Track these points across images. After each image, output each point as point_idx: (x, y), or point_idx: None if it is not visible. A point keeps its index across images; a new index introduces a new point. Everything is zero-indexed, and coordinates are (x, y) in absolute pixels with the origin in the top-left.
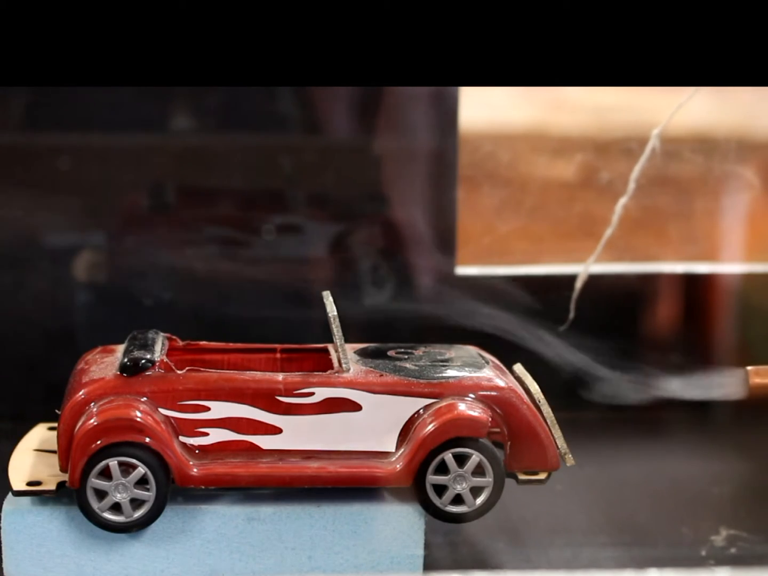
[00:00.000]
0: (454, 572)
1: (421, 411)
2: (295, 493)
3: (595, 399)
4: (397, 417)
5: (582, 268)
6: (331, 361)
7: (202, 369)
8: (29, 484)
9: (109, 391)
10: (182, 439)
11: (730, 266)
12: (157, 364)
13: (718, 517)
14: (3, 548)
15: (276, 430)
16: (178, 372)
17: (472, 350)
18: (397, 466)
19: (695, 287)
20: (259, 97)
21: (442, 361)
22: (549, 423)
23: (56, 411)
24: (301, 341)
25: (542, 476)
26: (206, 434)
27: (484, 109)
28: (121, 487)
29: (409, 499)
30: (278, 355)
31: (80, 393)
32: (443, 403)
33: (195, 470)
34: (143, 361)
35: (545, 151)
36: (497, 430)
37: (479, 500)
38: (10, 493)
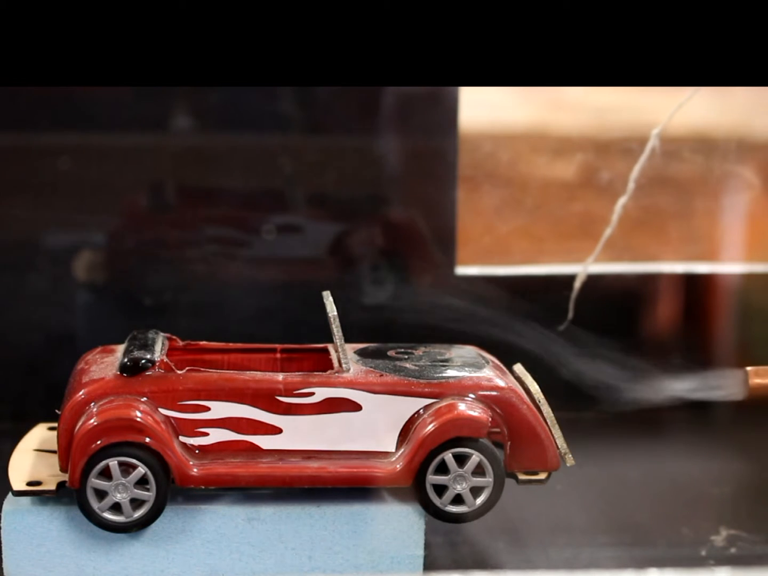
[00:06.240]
0: (454, 572)
1: (421, 411)
2: (295, 493)
3: (595, 399)
4: (397, 417)
5: (581, 268)
6: (331, 361)
7: (202, 369)
8: (29, 484)
9: (109, 391)
10: (182, 439)
11: (730, 266)
12: (157, 364)
13: (718, 517)
14: (3, 548)
15: (276, 430)
16: (178, 372)
17: (472, 350)
18: (397, 466)
19: (695, 287)
20: (259, 97)
21: (442, 361)
22: (549, 423)
23: (56, 411)
24: (301, 341)
25: (542, 476)
26: (206, 434)
27: (484, 109)
28: (121, 487)
29: (409, 499)
30: (278, 355)
31: (80, 393)
32: (443, 403)
33: (195, 470)
34: (143, 361)
35: (545, 151)
36: (497, 430)
37: (479, 500)
38: (10, 493)
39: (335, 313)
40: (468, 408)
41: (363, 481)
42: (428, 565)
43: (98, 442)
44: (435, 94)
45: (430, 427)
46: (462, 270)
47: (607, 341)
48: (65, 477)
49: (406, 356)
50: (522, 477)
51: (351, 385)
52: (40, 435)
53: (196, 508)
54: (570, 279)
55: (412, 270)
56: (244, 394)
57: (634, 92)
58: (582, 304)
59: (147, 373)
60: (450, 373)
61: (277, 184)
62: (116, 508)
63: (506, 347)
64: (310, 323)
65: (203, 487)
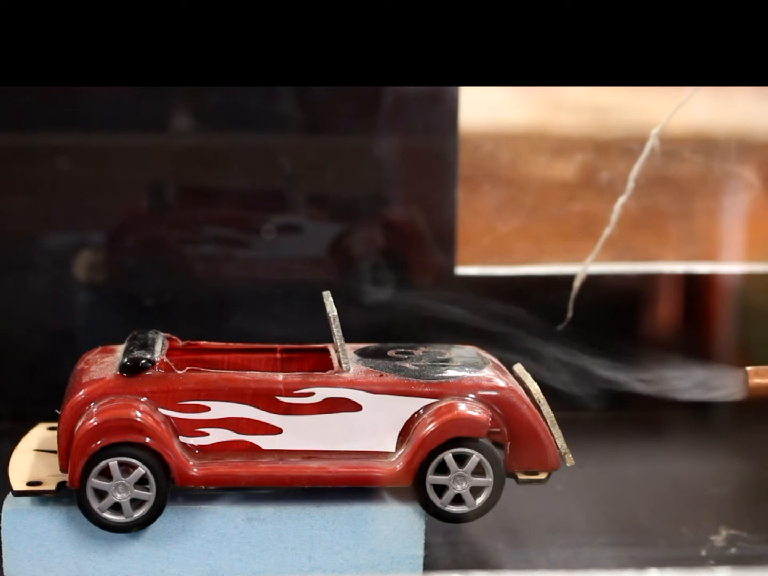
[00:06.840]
0: (454, 572)
1: (421, 411)
2: (295, 493)
3: (595, 399)
4: (397, 417)
5: (581, 268)
6: (331, 361)
7: (202, 369)
8: (29, 484)
9: (109, 391)
10: (182, 439)
11: (730, 266)
12: (157, 364)
13: (718, 517)
14: (3, 548)
15: (276, 430)
16: (178, 372)
17: (472, 350)
18: (397, 466)
19: (695, 287)
20: (259, 97)
21: (442, 361)
22: (549, 423)
23: (56, 411)
24: (301, 341)
25: (542, 476)
26: (206, 434)
27: (484, 109)
28: (121, 487)
29: (409, 499)
30: (278, 355)
31: (80, 393)
32: (443, 403)
33: (195, 470)
34: (143, 361)
35: (545, 151)
36: (497, 430)
37: (479, 500)
38: (10, 493)
39: (335, 313)
40: (468, 408)
41: (363, 481)
42: (428, 565)
43: (98, 442)
44: (435, 94)
45: (430, 427)
46: (462, 270)
47: (606, 341)
48: (65, 477)
49: (406, 356)
50: (522, 477)
51: (351, 385)
52: (40, 435)
53: (196, 508)
54: (570, 279)
55: (412, 270)
56: (244, 394)
57: (634, 92)
58: (582, 304)
59: (147, 373)
60: (450, 373)
61: (277, 184)
62: (116, 508)
63: (506, 347)
64: (310, 323)
65: (203, 487)
